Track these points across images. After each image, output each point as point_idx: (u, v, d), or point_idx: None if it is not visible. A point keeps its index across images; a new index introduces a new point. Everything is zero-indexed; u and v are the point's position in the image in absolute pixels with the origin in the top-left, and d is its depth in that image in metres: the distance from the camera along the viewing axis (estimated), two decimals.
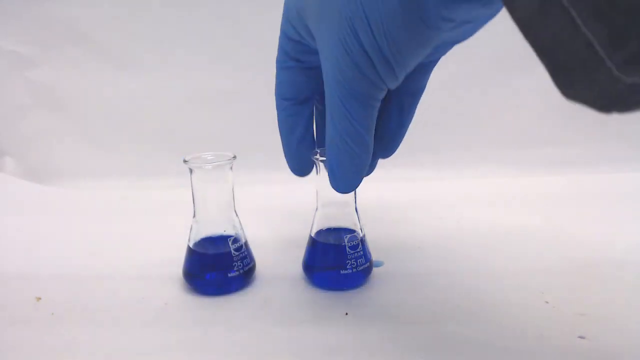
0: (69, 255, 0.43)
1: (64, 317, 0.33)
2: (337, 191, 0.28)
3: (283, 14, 0.28)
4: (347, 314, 0.33)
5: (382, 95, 0.24)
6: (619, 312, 0.32)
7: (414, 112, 0.31)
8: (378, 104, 0.25)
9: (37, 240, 0.47)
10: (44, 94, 0.63)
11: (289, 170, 0.34)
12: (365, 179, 0.35)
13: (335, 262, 0.35)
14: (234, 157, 0.35)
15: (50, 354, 0.29)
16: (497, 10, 0.23)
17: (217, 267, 0.35)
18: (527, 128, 0.64)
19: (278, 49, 0.29)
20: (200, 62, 0.62)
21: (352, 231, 0.36)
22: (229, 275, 0.35)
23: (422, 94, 0.30)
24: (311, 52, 0.27)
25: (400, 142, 0.31)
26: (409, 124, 0.31)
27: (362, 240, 0.36)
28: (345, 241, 0.35)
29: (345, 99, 0.24)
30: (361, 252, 0.35)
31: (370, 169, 0.33)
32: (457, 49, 0.27)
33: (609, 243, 0.43)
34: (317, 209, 0.36)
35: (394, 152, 0.32)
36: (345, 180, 0.27)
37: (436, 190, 0.58)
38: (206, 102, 0.63)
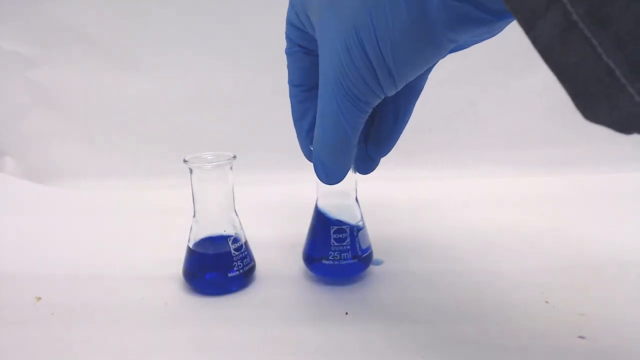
0: (69, 255, 0.43)
1: (64, 317, 0.33)
2: (322, 181, 0.29)
3: (289, 1, 0.28)
4: (347, 313, 0.33)
5: (377, 101, 0.25)
6: (619, 312, 0.32)
7: (409, 114, 0.31)
8: (371, 109, 0.25)
9: (37, 240, 0.47)
10: (44, 94, 0.63)
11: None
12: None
13: (321, 252, 0.35)
14: (234, 157, 0.35)
15: (50, 354, 0.29)
16: (501, 29, 0.23)
17: (217, 267, 0.35)
18: (527, 128, 0.63)
19: (285, 36, 0.30)
20: (200, 62, 0.62)
21: (347, 223, 0.35)
22: (229, 275, 0.35)
23: (418, 96, 0.30)
24: (313, 40, 0.27)
25: (395, 143, 0.32)
26: (405, 125, 0.31)
27: (353, 233, 0.35)
28: (331, 232, 0.35)
29: (341, 99, 0.24)
30: (347, 246, 0.35)
31: (371, 167, 0.33)
32: None
33: (609, 243, 0.43)
34: (317, 199, 0.36)
35: (388, 152, 0.32)
36: (329, 173, 0.28)
37: (436, 190, 0.58)
38: (206, 102, 0.63)
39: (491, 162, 0.63)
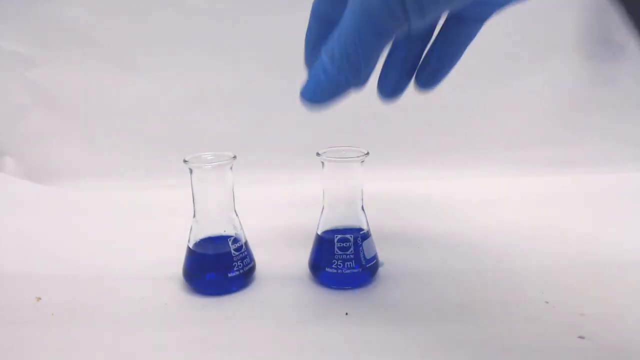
0: (69, 255, 0.43)
1: (64, 317, 0.33)
2: (301, 95, 0.27)
3: None
4: (347, 314, 0.33)
5: (400, 32, 0.24)
6: (619, 312, 0.32)
7: (457, 58, 0.30)
8: (391, 40, 0.24)
9: (37, 240, 0.47)
10: (44, 94, 0.63)
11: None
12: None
13: (325, 261, 0.35)
14: (234, 157, 0.35)
15: (50, 354, 0.29)
16: None
17: (217, 267, 0.35)
18: (527, 128, 0.63)
19: None
20: (200, 62, 0.62)
21: (357, 230, 0.35)
22: (229, 275, 0.35)
23: (467, 45, 0.30)
24: None
25: (438, 82, 0.31)
26: (451, 68, 0.30)
27: (357, 242, 0.35)
28: (335, 240, 0.35)
29: (363, 24, 0.24)
30: (351, 255, 0.35)
31: (399, 93, 0.32)
32: None
33: (609, 243, 0.43)
34: (323, 208, 0.36)
35: (431, 88, 0.31)
36: (318, 91, 0.26)
37: (436, 190, 0.58)
38: (206, 102, 0.63)
39: (491, 162, 0.63)
